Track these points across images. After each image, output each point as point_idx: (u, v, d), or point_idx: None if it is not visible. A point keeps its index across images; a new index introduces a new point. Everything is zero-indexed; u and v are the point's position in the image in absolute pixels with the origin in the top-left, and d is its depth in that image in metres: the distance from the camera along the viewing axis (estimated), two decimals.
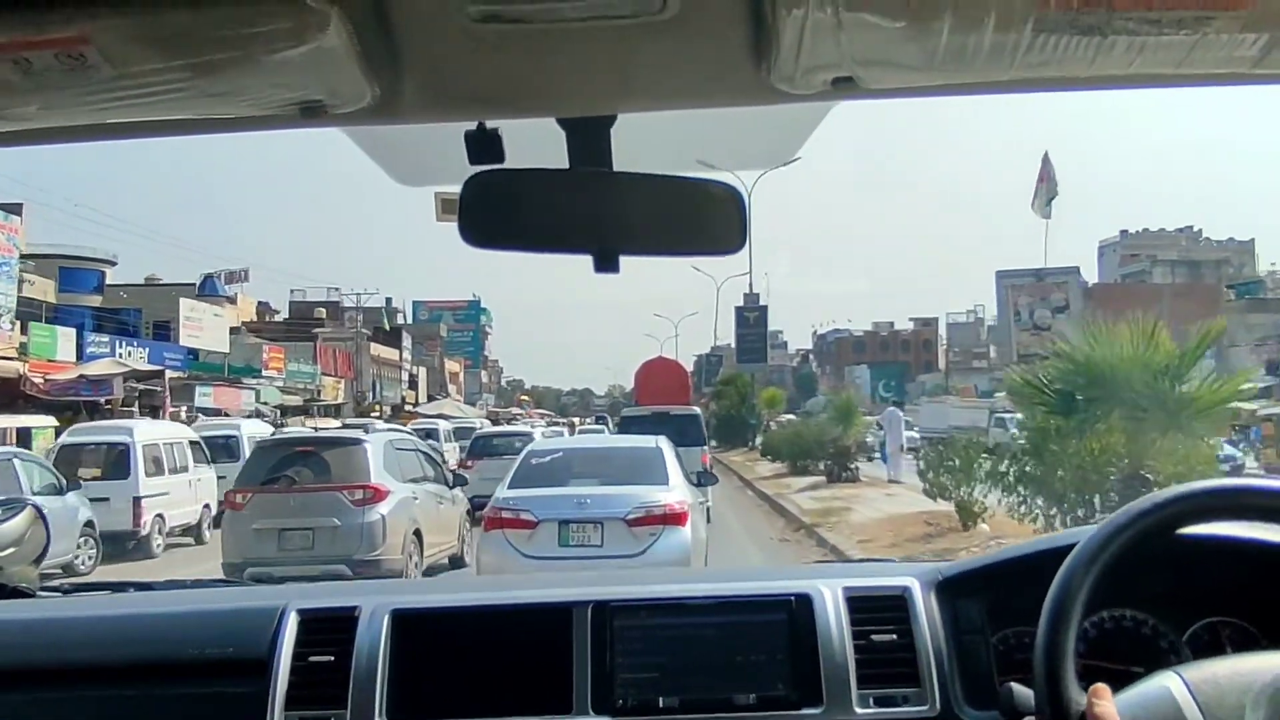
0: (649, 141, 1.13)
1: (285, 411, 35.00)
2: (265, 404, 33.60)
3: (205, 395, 28.26)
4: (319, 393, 42.35)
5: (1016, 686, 1.05)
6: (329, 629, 1.56)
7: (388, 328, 55.20)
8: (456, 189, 1.10)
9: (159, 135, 1.01)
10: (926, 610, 1.51)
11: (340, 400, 44.19)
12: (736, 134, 1.22)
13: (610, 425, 36.37)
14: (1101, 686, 0.98)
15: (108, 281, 38.63)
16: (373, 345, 51.26)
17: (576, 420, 51.26)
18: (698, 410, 21.84)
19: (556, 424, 41.85)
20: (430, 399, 53.61)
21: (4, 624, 1.69)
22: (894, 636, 1.50)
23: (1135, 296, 60.32)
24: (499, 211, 1.11)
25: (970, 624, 1.50)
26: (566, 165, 1.08)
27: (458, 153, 1.08)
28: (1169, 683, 0.98)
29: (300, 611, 1.58)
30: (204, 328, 34.49)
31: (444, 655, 1.53)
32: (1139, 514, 1.03)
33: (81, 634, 1.68)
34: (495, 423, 32.53)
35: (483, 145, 1.07)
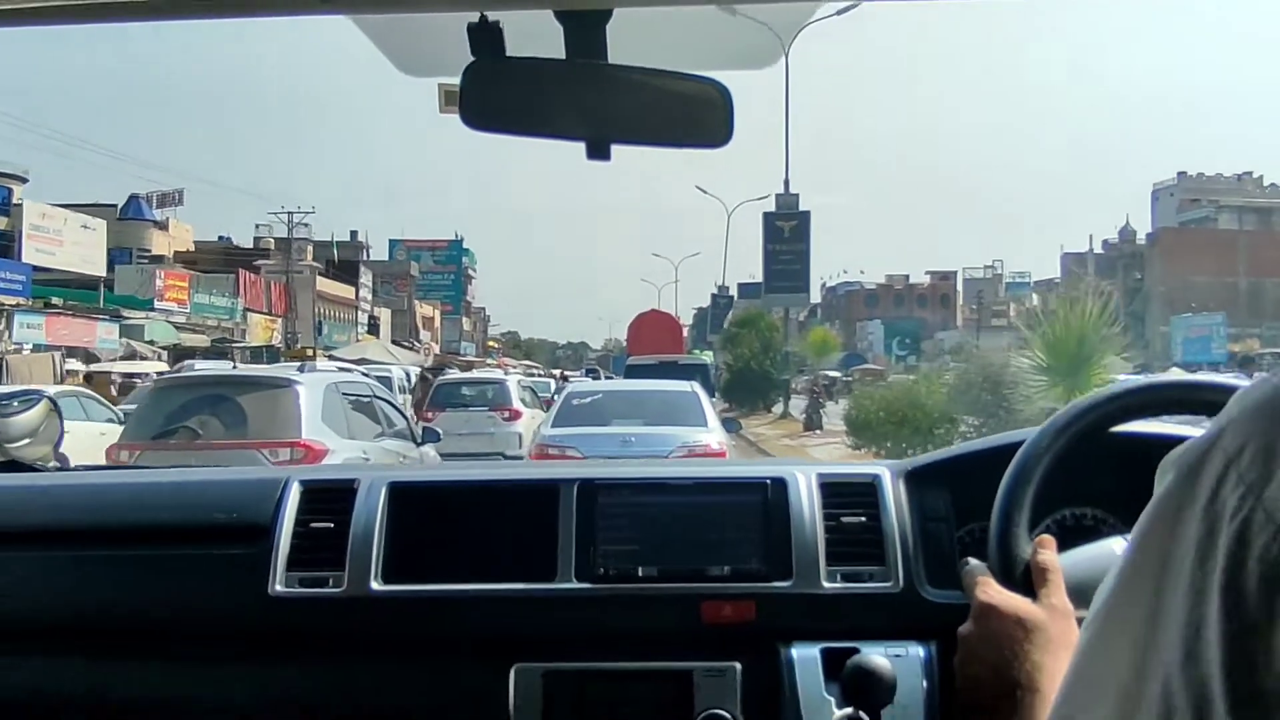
0: (644, 37, 1.17)
1: (192, 353, 27.14)
2: (151, 343, 25.90)
3: (33, 327, 20.66)
4: (242, 332, 34.71)
5: (972, 560, 1.12)
6: (329, 499, 1.60)
7: (336, 259, 46.99)
8: (457, 80, 1.15)
9: (168, 17, 1.03)
10: (895, 497, 1.56)
11: (274, 342, 36.49)
12: (724, 31, 1.27)
13: (602, 379, 31.20)
14: (1047, 537, 1.08)
15: (17, 200, 31.11)
16: (321, 281, 43.41)
17: (558, 373, 43.76)
18: (706, 360, 20.62)
19: (533, 373, 34.77)
20: (396, 344, 45.81)
21: (18, 489, 1.75)
22: (863, 519, 1.54)
23: (1205, 244, 53.18)
24: (497, 98, 1.17)
25: (936, 512, 1.54)
26: (564, 57, 1.14)
27: (459, 44, 1.11)
28: (1113, 544, 1.10)
29: (302, 482, 1.62)
30: (64, 242, 26.84)
31: (437, 525, 1.58)
32: (1083, 410, 1.12)
33: (95, 500, 1.72)
34: (437, 371, 24.62)
35: (484, 36, 1.11)
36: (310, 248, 45.59)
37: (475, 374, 22.27)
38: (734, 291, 45.43)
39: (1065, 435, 1.10)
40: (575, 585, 1.49)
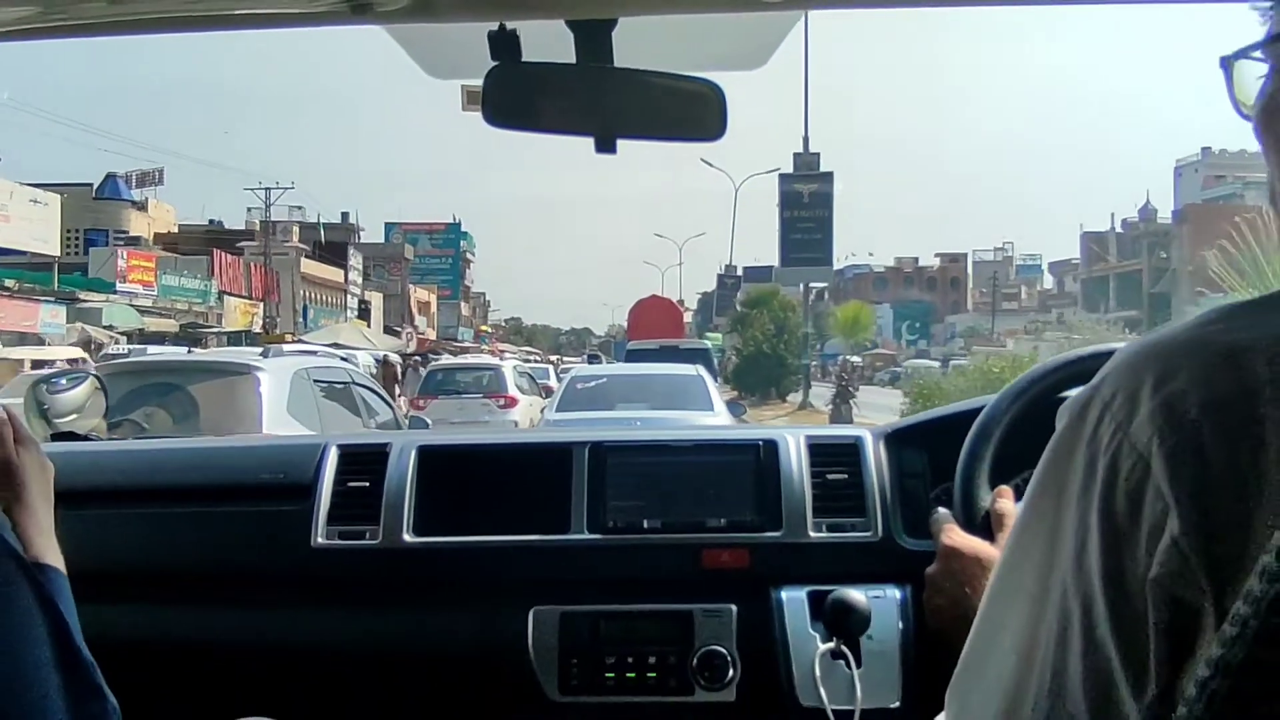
0: (647, 42, 1.29)
1: (161, 338, 25.19)
2: (110, 328, 23.91)
3: None
4: (218, 316, 32.75)
5: (941, 509, 1.26)
6: (364, 460, 1.74)
7: (323, 240, 44.83)
8: (478, 82, 1.26)
9: (207, 29, 1.12)
10: (875, 457, 1.68)
11: (254, 327, 34.52)
12: (718, 35, 1.38)
13: (604, 364, 30.05)
14: (1004, 488, 1.21)
15: None
16: (307, 263, 41.33)
17: (556, 359, 41.78)
18: (708, 344, 20.12)
19: (531, 359, 33.00)
20: (388, 330, 43.71)
21: (84, 454, 1.91)
22: (846, 476, 1.67)
23: (1233, 221, 50.78)
24: (515, 99, 1.28)
25: (913, 470, 1.67)
26: (574, 61, 1.25)
27: (480, 50, 1.22)
28: None
29: (340, 446, 1.77)
30: (11, 218, 25.05)
31: (463, 484, 1.73)
32: (1038, 377, 1.26)
33: (153, 463, 1.89)
34: (411, 358, 22.60)
35: (502, 43, 1.21)
36: (296, 228, 43.45)
37: (469, 359, 20.52)
38: (740, 273, 43.25)
39: (1022, 399, 1.26)
40: (587, 536, 1.65)
